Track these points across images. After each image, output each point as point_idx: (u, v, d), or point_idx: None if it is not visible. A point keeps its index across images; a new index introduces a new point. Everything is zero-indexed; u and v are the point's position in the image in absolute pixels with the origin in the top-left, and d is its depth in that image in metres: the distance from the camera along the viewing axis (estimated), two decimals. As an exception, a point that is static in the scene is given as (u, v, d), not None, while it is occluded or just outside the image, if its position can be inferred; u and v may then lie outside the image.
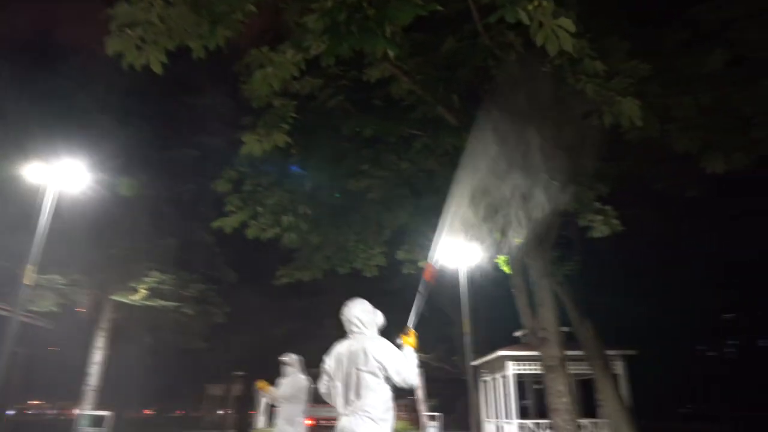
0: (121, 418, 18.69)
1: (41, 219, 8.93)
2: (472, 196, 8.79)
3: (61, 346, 20.88)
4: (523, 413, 17.22)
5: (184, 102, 17.45)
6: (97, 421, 14.71)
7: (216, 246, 17.92)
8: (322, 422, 20.55)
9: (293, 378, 6.20)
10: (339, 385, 3.41)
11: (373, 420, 3.23)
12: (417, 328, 3.66)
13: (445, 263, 14.25)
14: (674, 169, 10.08)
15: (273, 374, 6.71)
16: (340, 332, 3.65)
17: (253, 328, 21.22)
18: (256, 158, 9.48)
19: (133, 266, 15.52)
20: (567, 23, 4.37)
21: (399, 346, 3.49)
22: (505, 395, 16.59)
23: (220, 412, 29.69)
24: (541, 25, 4.45)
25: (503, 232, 10.36)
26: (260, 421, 20.96)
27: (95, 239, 14.24)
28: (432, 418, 18.49)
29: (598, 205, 10.64)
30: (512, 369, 16.31)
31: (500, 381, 17.19)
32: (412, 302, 3.79)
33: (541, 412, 17.42)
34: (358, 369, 3.34)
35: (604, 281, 16.60)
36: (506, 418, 16.63)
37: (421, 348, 3.57)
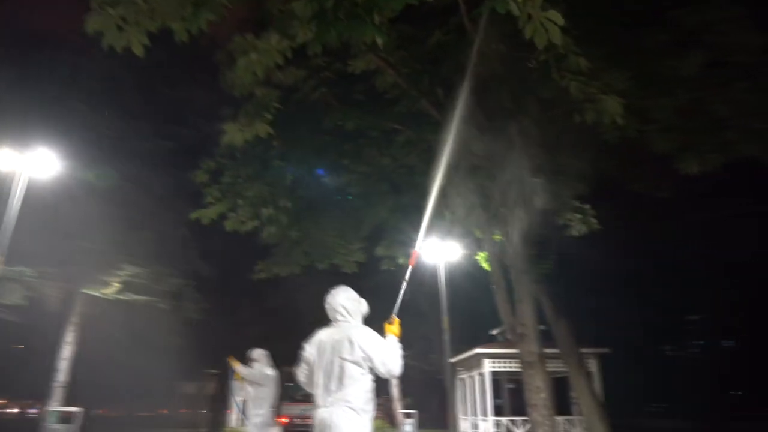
0: (90, 416, 18.19)
1: (10, 207, 8.63)
2: (454, 191, 8.84)
3: (27, 341, 20.24)
4: (498, 412, 17.34)
5: (161, 93, 17.08)
6: (66, 419, 14.29)
7: (193, 241, 17.58)
8: (297, 421, 20.37)
9: (259, 368, 6.70)
10: (320, 374, 3.30)
11: (354, 411, 3.15)
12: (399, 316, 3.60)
13: (424, 259, 14.29)
14: (651, 170, 10.28)
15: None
16: (318, 329, 3.56)
17: (230, 326, 20.92)
18: (237, 149, 9.37)
19: (106, 259, 15.12)
20: (556, 16, 4.40)
21: (382, 335, 3.43)
22: (481, 393, 16.69)
23: (193, 410, 29.19)
24: (530, 17, 4.47)
25: (483, 229, 10.43)
26: (233, 419, 20.70)
27: (66, 230, 13.83)
28: (407, 416, 18.49)
29: (576, 203, 10.82)
30: (489, 366, 16.42)
31: (476, 378, 17.29)
32: (393, 299, 3.70)
33: (515, 410, 17.61)
34: (341, 358, 3.24)
35: (578, 281, 16.84)
36: (482, 415, 16.74)
37: (401, 341, 3.51)
